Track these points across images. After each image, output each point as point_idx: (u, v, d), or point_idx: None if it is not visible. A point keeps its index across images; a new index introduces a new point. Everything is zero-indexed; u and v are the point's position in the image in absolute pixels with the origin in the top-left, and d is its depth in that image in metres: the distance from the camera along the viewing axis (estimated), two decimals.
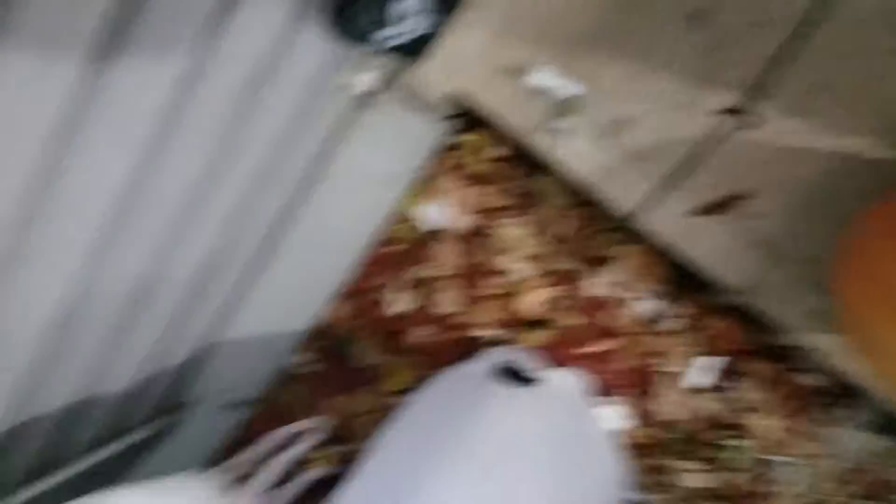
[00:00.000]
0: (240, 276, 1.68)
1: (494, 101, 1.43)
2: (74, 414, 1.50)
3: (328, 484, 1.10)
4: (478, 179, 1.63)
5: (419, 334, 1.73)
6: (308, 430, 1.39)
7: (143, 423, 1.79)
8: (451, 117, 1.57)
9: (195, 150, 1.23)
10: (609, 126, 1.40)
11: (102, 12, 0.86)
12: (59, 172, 0.98)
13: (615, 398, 1.58)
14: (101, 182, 1.09)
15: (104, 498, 1.08)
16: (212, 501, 1.20)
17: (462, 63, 1.43)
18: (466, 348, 1.68)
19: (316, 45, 1.30)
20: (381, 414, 1.75)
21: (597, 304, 1.60)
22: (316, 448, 1.50)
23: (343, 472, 1.20)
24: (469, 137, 1.61)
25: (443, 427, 1.35)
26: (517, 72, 1.39)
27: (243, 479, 1.30)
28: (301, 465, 1.38)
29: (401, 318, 1.75)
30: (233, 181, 1.38)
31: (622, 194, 1.43)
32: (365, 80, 1.45)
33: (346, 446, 1.76)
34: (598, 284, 1.59)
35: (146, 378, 1.66)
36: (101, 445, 1.66)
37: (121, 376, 1.55)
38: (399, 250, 1.72)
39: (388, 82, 1.50)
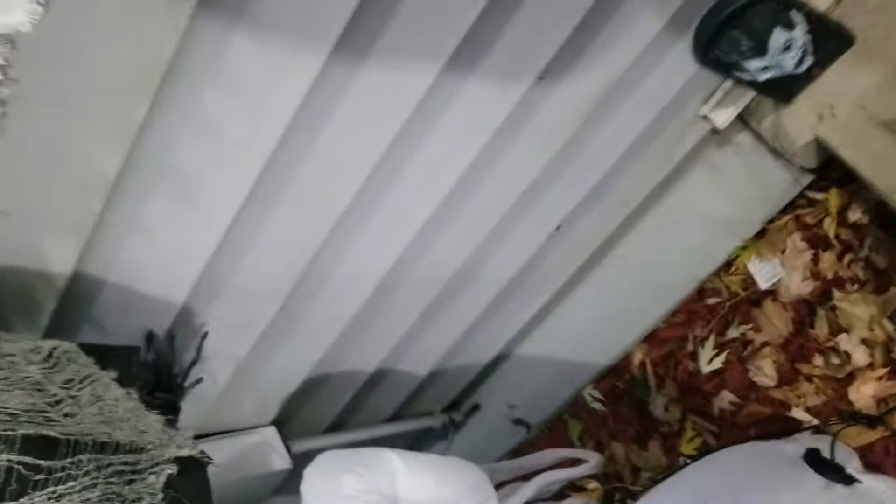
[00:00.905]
0: (550, 293, 1.68)
1: (865, 156, 1.26)
2: (377, 382, 1.61)
3: None
4: (827, 243, 1.46)
5: (727, 399, 1.59)
6: (585, 461, 1.33)
7: (433, 413, 1.86)
8: (809, 170, 1.43)
9: (535, 155, 1.26)
10: None
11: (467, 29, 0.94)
12: (410, 156, 1.08)
13: None
14: (442, 173, 1.16)
15: (388, 454, 1.13)
16: (482, 489, 1.20)
17: (836, 110, 1.30)
18: (779, 427, 1.50)
19: (682, 67, 1.26)
20: (665, 472, 1.63)
21: None
22: (586, 479, 1.44)
23: None
24: (825, 195, 1.46)
25: (736, 496, 1.22)
26: None
27: (512, 482, 1.28)
28: (567, 489, 1.33)
29: (710, 377, 1.62)
30: (564, 193, 1.39)
31: None
32: (725, 113, 1.38)
33: (617, 486, 1.68)
34: None
35: (442, 369, 1.72)
36: (393, 420, 1.76)
37: (420, 360, 1.63)
38: (723, 303, 1.60)
39: (749, 120, 1.41)
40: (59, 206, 0.79)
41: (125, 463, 0.62)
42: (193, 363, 1.08)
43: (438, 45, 0.96)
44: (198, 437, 1.34)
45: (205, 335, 1.09)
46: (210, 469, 1.34)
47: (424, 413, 1.87)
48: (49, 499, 0.55)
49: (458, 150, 1.14)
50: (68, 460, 0.58)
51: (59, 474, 0.57)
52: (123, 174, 0.81)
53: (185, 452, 0.70)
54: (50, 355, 0.70)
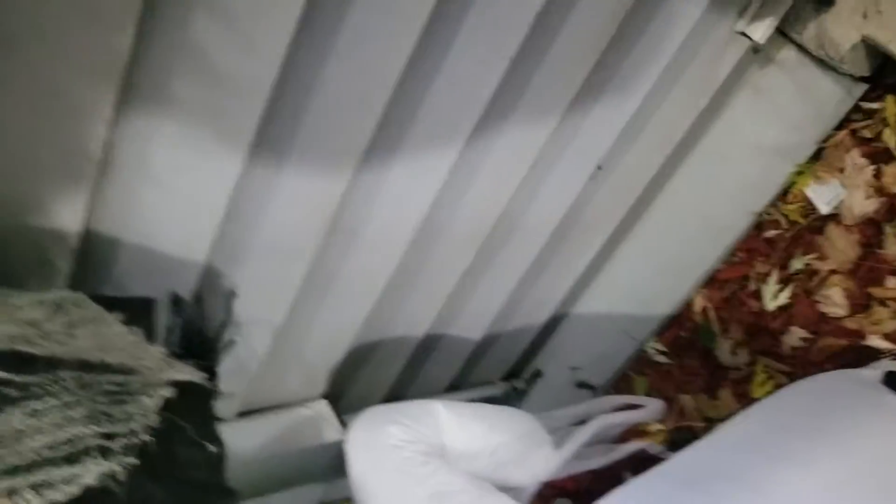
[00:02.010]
0: (599, 242, 1.61)
1: None
2: (430, 349, 1.57)
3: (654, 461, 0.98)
4: (889, 156, 1.36)
5: (798, 336, 1.49)
6: (647, 406, 1.27)
7: (493, 382, 1.82)
8: (861, 78, 1.34)
9: (560, 83, 1.20)
10: None
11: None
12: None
13: None
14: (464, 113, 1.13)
15: (434, 405, 1.09)
16: (535, 436, 1.15)
17: (881, 6, 1.21)
18: (856, 358, 1.41)
19: None
20: None
21: None
22: (649, 425, 1.38)
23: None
24: (881, 104, 1.36)
25: (810, 423, 1.14)
26: None
27: (572, 429, 1.23)
28: (630, 434, 1.28)
29: (777, 314, 1.53)
30: (600, 127, 1.33)
31: None
32: (763, 26, 1.29)
33: (683, 432, 1.60)
34: None
35: (497, 333, 1.68)
36: (452, 391, 1.72)
37: (472, 324, 1.58)
38: (783, 235, 1.51)
39: (790, 32, 1.33)
40: (56, 154, 0.77)
41: (115, 383, 0.60)
42: (224, 325, 1.06)
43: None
44: (246, 412, 1.33)
45: (232, 295, 1.07)
46: (262, 442, 1.33)
47: (484, 382, 1.83)
48: (26, 415, 0.53)
49: (478, 83, 1.10)
50: (48, 376, 0.55)
51: (36, 390, 0.54)
52: (121, 114, 0.79)
53: (183, 376, 0.67)
54: (57, 304, 0.69)
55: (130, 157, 0.84)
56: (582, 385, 1.84)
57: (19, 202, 0.79)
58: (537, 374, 1.88)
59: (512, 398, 1.84)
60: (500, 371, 1.84)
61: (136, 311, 0.76)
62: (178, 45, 0.78)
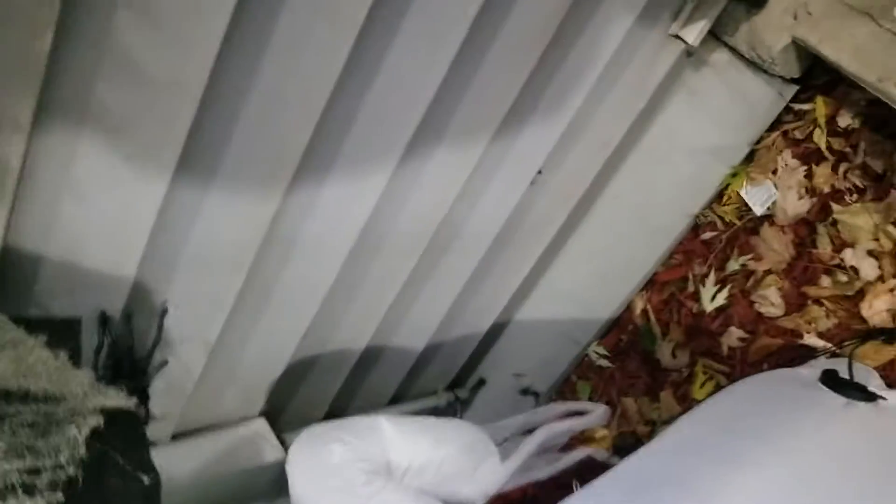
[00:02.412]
0: (540, 247, 1.60)
1: (847, 48, 1.18)
2: (371, 362, 1.53)
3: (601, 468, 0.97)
4: (820, 156, 1.38)
5: (736, 336, 1.51)
6: (591, 412, 1.26)
7: (437, 391, 1.79)
8: (792, 80, 1.36)
9: (501, 87, 1.18)
10: None
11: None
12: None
13: None
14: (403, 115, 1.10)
15: (377, 420, 1.06)
16: (481, 447, 1.13)
17: (810, 7, 1.22)
18: (793, 357, 1.42)
19: None
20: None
21: None
22: (595, 430, 1.37)
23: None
24: (811, 105, 1.38)
25: (752, 424, 1.14)
26: (883, 9, 1.15)
27: (517, 439, 1.22)
28: (575, 441, 1.27)
29: (715, 315, 1.55)
30: (539, 133, 1.31)
31: None
32: (696, 29, 1.30)
33: (628, 437, 1.61)
34: None
35: (439, 342, 1.65)
36: (393, 403, 1.69)
37: (413, 334, 1.56)
38: (719, 237, 1.53)
39: (723, 35, 1.34)
40: None
41: (38, 413, 0.55)
42: (155, 343, 1.01)
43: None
44: (182, 433, 1.28)
45: (164, 312, 1.02)
46: (199, 464, 1.27)
47: (427, 393, 1.80)
48: None
49: (415, 91, 1.07)
50: None
51: None
52: (40, 123, 0.74)
53: (112, 403, 0.62)
54: None
55: (51, 170, 0.79)
56: (526, 392, 1.83)
57: None
58: (481, 383, 1.87)
59: (455, 408, 1.81)
60: (443, 381, 1.81)
61: (61, 333, 0.70)
62: (102, 48, 0.73)
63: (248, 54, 0.85)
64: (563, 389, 1.81)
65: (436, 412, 1.78)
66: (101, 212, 0.85)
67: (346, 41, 0.90)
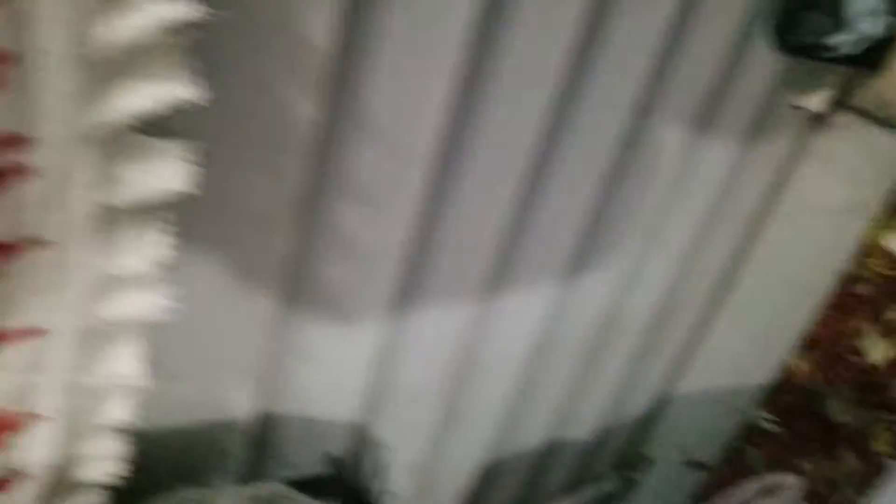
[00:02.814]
0: (693, 323, 1.64)
1: None
2: (544, 457, 1.59)
3: None
4: None
5: None
6: (780, 487, 1.27)
7: (605, 475, 1.82)
8: None
9: (648, 188, 1.26)
10: None
11: None
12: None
13: None
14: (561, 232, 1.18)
15: None
16: None
17: None
18: None
19: (762, 61, 1.26)
20: (866, 478, 1.54)
21: None
22: None
23: None
24: None
25: None
26: None
27: None
28: None
29: (883, 366, 1.54)
30: (682, 220, 1.38)
31: None
32: (817, 97, 1.35)
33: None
34: None
35: (607, 428, 1.69)
36: (567, 492, 1.72)
37: (584, 423, 1.61)
38: (871, 289, 1.53)
39: (844, 98, 1.38)
40: (233, 352, 0.83)
41: None
42: (381, 481, 1.10)
43: None
44: None
45: (382, 447, 1.11)
46: None
47: (598, 477, 1.82)
48: None
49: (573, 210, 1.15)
50: None
51: None
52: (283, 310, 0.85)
53: None
54: (267, 500, 0.73)
55: (289, 343, 0.90)
56: (694, 464, 1.83)
57: (197, 400, 0.84)
58: (649, 462, 1.88)
59: (626, 489, 1.83)
60: (612, 465, 1.84)
61: (330, 489, 0.80)
62: (329, 235, 0.85)
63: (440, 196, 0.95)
64: (733, 459, 1.80)
65: (609, 498, 1.81)
66: (326, 367, 0.96)
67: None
